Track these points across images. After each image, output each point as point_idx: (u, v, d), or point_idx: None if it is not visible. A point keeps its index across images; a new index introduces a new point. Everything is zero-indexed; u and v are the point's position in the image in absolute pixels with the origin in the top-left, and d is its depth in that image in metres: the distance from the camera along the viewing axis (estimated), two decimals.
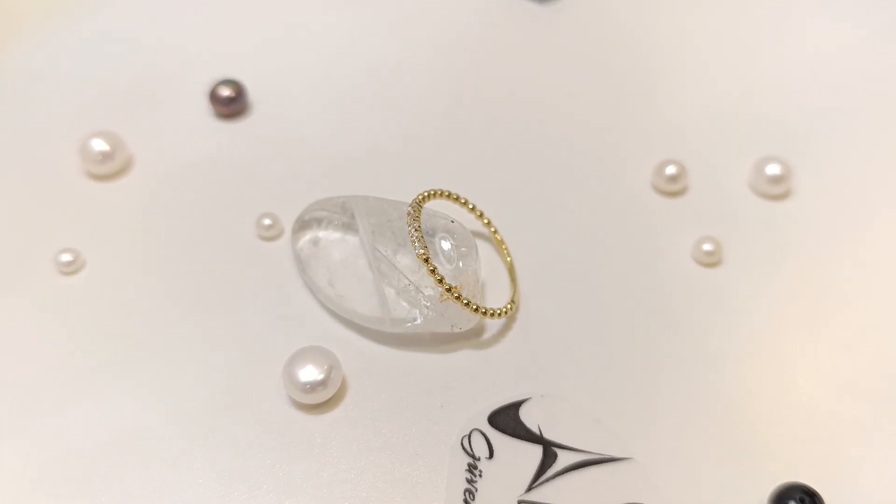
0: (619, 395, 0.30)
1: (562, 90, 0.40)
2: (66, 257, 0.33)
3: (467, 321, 0.30)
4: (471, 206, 0.33)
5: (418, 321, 0.30)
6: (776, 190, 0.36)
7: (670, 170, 0.35)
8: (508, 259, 0.33)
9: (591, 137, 0.38)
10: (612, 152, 0.37)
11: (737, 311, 0.32)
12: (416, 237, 0.29)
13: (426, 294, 0.29)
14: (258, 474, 0.28)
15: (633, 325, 0.32)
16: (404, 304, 0.30)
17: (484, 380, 0.30)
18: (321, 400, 0.29)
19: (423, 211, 0.31)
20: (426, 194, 0.31)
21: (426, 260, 0.29)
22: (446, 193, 0.32)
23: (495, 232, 0.34)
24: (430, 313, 0.30)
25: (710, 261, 0.33)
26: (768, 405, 0.30)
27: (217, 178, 0.37)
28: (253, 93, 0.39)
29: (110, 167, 0.36)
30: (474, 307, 0.29)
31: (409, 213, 0.30)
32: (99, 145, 0.36)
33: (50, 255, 0.33)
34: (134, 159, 0.37)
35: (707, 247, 0.33)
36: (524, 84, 0.40)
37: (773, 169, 0.35)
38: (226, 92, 0.38)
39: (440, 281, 0.29)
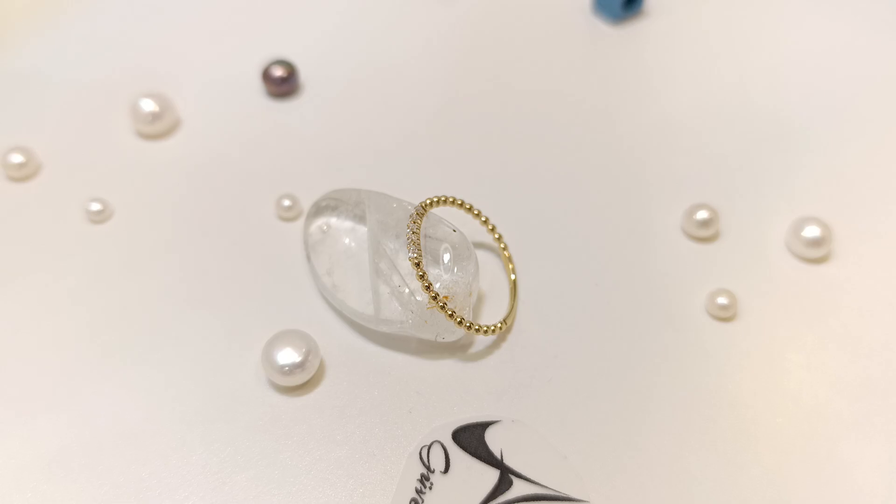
0: (594, 436, 0.29)
1: (607, 117, 0.39)
2: (95, 206, 0.35)
3: (451, 333, 0.30)
4: (483, 219, 0.33)
5: (405, 324, 0.30)
6: (813, 253, 0.34)
7: (702, 214, 0.34)
8: (512, 277, 0.33)
9: (627, 172, 0.37)
10: (645, 190, 0.36)
11: (740, 369, 0.31)
12: (413, 240, 0.29)
13: (416, 299, 0.29)
14: (219, 443, 0.28)
15: (624, 369, 0.30)
16: (395, 304, 0.30)
17: (459, 394, 0.30)
18: (297, 383, 0.30)
19: (429, 217, 0.31)
20: (434, 199, 0.31)
21: (417, 264, 0.29)
22: (458, 202, 0.32)
23: (504, 248, 0.33)
24: (417, 318, 0.29)
25: (725, 315, 0.32)
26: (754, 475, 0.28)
27: (255, 153, 0.38)
28: (305, 75, 0.40)
29: (157, 127, 0.38)
30: (458, 319, 0.29)
31: (411, 216, 0.30)
32: (148, 105, 0.37)
33: (82, 204, 0.35)
34: (181, 123, 0.39)
35: (721, 300, 0.32)
36: (570, 107, 0.40)
37: (811, 231, 0.33)
38: (278, 72, 0.39)
39: (427, 287, 0.29)
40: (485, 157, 0.37)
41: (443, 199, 0.31)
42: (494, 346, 0.31)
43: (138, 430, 0.29)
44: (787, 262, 0.34)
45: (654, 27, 0.43)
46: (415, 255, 0.29)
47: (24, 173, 0.36)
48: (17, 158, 0.36)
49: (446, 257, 0.30)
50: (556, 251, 0.34)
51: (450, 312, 0.29)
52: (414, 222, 0.30)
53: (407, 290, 0.30)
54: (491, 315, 0.32)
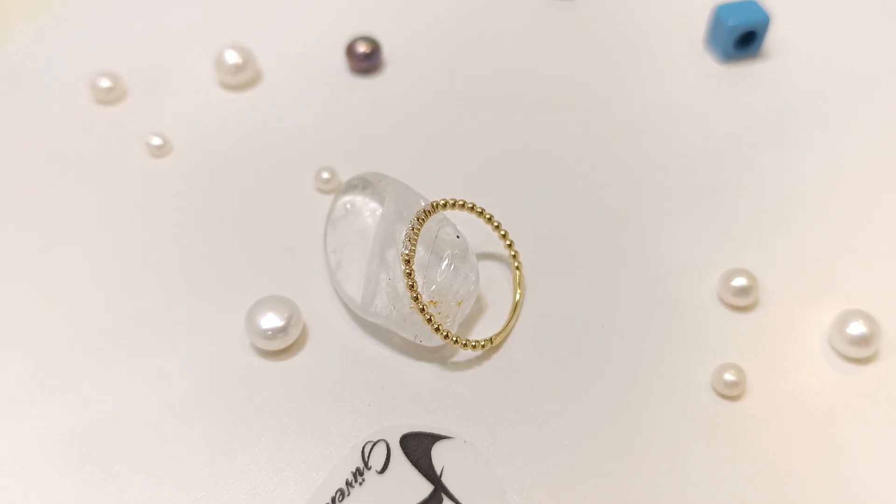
0: (549, 481, 0.27)
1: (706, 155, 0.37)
2: (156, 140, 0.37)
3: (429, 337, 0.29)
4: (503, 233, 0.32)
5: (389, 318, 0.30)
6: (859, 353, 0.30)
7: (739, 281, 0.31)
8: (517, 297, 0.31)
9: (668, 236, 0.35)
10: (679, 255, 0.34)
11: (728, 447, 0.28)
12: (410, 237, 0.29)
13: (401, 296, 0.29)
14: (181, 386, 0.30)
15: (604, 423, 0.29)
16: (384, 297, 0.30)
17: (425, 400, 0.29)
18: (280, 347, 0.30)
19: (442, 219, 0.31)
20: (450, 202, 0.30)
21: (407, 261, 0.28)
22: (470, 206, 0.31)
23: (518, 266, 0.32)
24: (398, 316, 0.29)
25: (732, 393, 0.29)
26: None
27: (321, 123, 0.38)
28: (389, 52, 0.40)
29: (239, 79, 0.40)
30: (435, 326, 0.29)
31: (417, 213, 0.30)
32: (232, 57, 0.39)
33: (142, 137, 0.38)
34: (263, 76, 0.40)
35: (729, 377, 0.29)
36: (665, 140, 0.38)
37: (857, 328, 0.30)
38: (361, 48, 0.39)
39: (411, 287, 0.28)
40: (548, 172, 0.36)
41: (460, 203, 0.31)
42: (477, 361, 0.30)
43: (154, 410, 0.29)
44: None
45: (767, 69, 0.40)
46: (407, 251, 0.29)
47: (111, 97, 0.39)
48: (104, 83, 0.39)
49: (444, 263, 0.30)
50: (573, 278, 0.32)
51: (428, 318, 0.28)
52: (419, 219, 0.29)
53: (399, 286, 0.29)
54: (487, 328, 0.31)
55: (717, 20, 0.39)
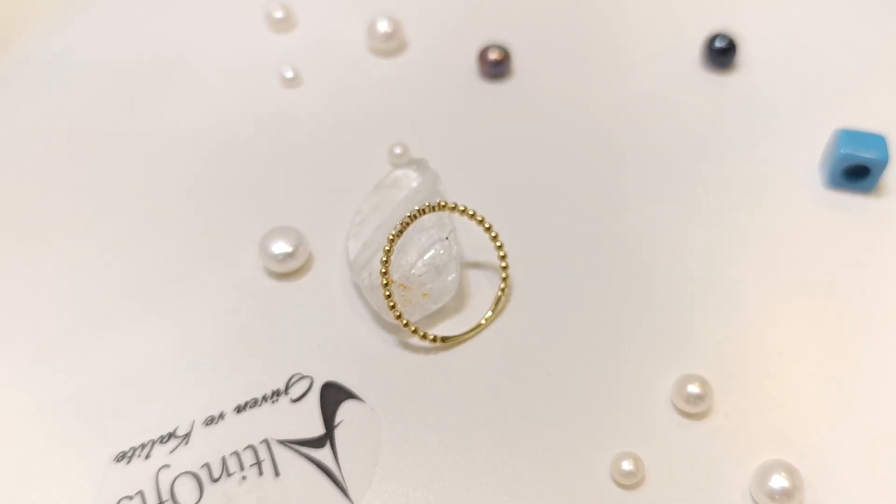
0: (422, 478, 0.30)
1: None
2: (289, 73, 0.43)
3: (388, 315, 0.32)
4: (498, 244, 0.34)
5: (362, 283, 0.33)
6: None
7: (692, 388, 0.31)
8: (487, 314, 0.33)
9: None
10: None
11: None
12: (404, 222, 0.32)
13: (375, 267, 0.32)
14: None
15: (513, 464, 0.30)
16: (363, 261, 0.33)
17: (369, 365, 0.32)
18: (289, 269, 0.35)
19: (451, 218, 0.33)
20: (460, 207, 0.33)
21: (391, 241, 0.32)
22: (470, 212, 0.33)
23: (506, 278, 0.34)
24: (369, 283, 0.32)
25: (629, 482, 0.30)
26: None
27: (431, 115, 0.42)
28: (518, 60, 0.43)
29: (391, 45, 0.44)
30: (391, 304, 0.32)
31: (421, 205, 0.32)
32: (383, 26, 0.44)
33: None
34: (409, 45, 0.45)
35: (626, 466, 0.29)
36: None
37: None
38: (493, 55, 0.42)
39: (384, 262, 0.31)
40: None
41: (469, 213, 0.33)
42: (426, 352, 0.33)
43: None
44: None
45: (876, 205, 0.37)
46: (393, 233, 0.32)
47: (285, 25, 0.46)
48: (278, 13, 0.45)
49: (429, 255, 0.32)
50: (554, 320, 0.34)
51: (388, 294, 0.31)
52: (420, 211, 0.32)
53: (382, 260, 0.32)
54: (456, 327, 0.34)
55: (832, 143, 0.37)
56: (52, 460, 0.30)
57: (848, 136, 0.37)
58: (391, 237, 0.32)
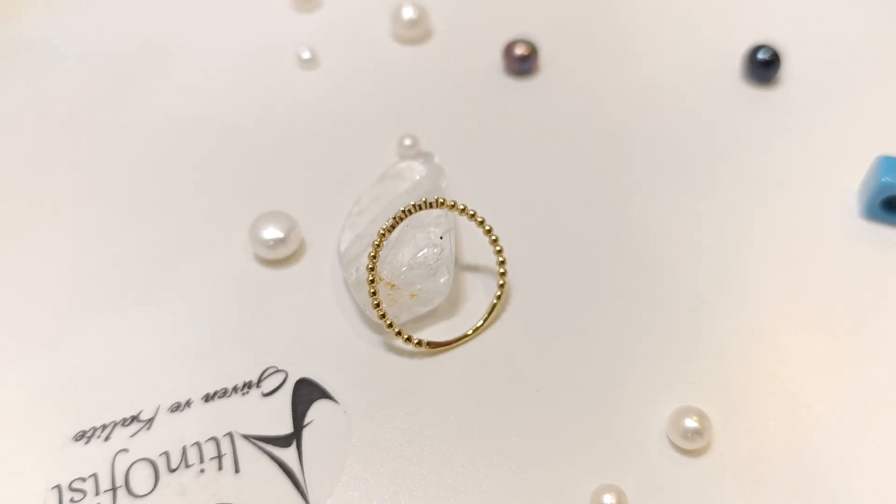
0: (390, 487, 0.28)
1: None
2: (306, 55, 0.41)
3: (371, 313, 0.30)
4: (498, 248, 0.32)
5: (349, 278, 0.31)
6: None
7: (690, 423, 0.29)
8: (479, 323, 0.31)
9: None
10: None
11: None
12: (398, 217, 0.30)
13: (363, 263, 0.30)
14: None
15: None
16: (353, 254, 0.31)
17: (350, 363, 0.31)
18: (280, 256, 0.33)
19: (453, 218, 0.31)
20: (459, 206, 0.31)
21: (381, 235, 0.30)
22: (470, 213, 0.31)
23: (503, 284, 0.32)
24: (356, 278, 0.31)
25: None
26: None
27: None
28: (546, 58, 0.41)
29: (415, 33, 0.43)
30: (376, 302, 0.30)
31: (418, 200, 0.31)
32: (408, 13, 0.42)
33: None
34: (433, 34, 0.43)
35: (608, 500, 0.27)
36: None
37: None
38: (519, 51, 0.40)
39: (372, 257, 0.30)
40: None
41: (470, 213, 0.31)
42: (410, 356, 0.31)
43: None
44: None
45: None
46: (384, 227, 0.30)
47: (310, 5, 0.44)
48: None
49: (421, 254, 0.30)
50: (545, 337, 0.32)
51: (372, 291, 0.30)
52: (416, 207, 0.30)
53: (370, 255, 0.31)
54: (446, 333, 0.32)
55: (873, 170, 0.34)
56: (11, 438, 0.29)
57: (891, 164, 0.34)
58: (382, 231, 0.30)
